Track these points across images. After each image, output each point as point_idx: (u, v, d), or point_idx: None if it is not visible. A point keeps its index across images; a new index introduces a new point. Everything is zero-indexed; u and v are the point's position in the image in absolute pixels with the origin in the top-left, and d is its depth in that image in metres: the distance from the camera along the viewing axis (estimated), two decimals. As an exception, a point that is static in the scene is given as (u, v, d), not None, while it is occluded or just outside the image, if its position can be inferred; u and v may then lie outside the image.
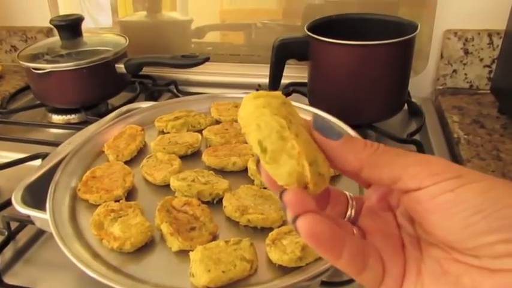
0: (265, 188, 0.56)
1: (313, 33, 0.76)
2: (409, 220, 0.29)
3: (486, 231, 0.22)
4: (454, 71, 0.95)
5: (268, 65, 0.85)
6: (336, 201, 0.31)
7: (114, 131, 0.69)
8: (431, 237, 0.26)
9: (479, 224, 0.22)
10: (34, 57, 0.93)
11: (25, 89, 1.08)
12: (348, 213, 0.31)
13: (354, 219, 0.31)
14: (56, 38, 0.99)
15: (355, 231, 0.29)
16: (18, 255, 0.61)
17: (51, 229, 0.49)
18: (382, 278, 0.26)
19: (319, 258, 0.45)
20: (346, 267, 0.25)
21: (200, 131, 0.69)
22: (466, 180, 0.23)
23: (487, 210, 0.22)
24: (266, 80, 0.87)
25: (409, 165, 0.25)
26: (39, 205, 0.55)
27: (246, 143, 0.65)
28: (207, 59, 0.87)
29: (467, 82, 0.95)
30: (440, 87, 0.97)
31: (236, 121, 0.70)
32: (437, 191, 0.23)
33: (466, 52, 0.92)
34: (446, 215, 0.23)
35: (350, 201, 0.31)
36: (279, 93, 0.27)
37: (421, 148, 0.74)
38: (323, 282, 0.53)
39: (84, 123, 0.86)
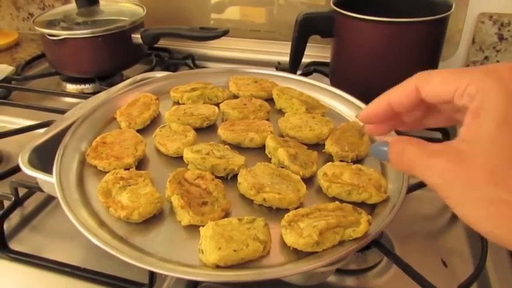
0: (282, 167, 0.52)
1: (339, 8, 0.72)
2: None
3: None
4: (486, 57, 0.90)
5: (289, 43, 0.81)
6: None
7: (128, 98, 0.66)
8: None
9: None
10: (50, 24, 0.91)
11: (41, 57, 1.06)
12: None
13: None
14: (72, 6, 0.96)
15: None
16: (25, 221, 0.60)
17: (57, 193, 0.47)
18: None
19: (337, 245, 0.42)
20: None
21: (217, 105, 0.65)
22: None
23: None
24: (286, 58, 0.84)
25: None
26: (47, 169, 0.52)
27: (266, 119, 0.62)
28: (226, 32, 0.84)
29: (499, 71, 0.90)
30: (470, 75, 0.92)
31: (255, 96, 0.67)
32: None
33: (501, 38, 0.87)
34: None
35: None
36: None
37: (446, 133, 0.70)
38: (336, 269, 0.50)
39: (97, 93, 0.84)
